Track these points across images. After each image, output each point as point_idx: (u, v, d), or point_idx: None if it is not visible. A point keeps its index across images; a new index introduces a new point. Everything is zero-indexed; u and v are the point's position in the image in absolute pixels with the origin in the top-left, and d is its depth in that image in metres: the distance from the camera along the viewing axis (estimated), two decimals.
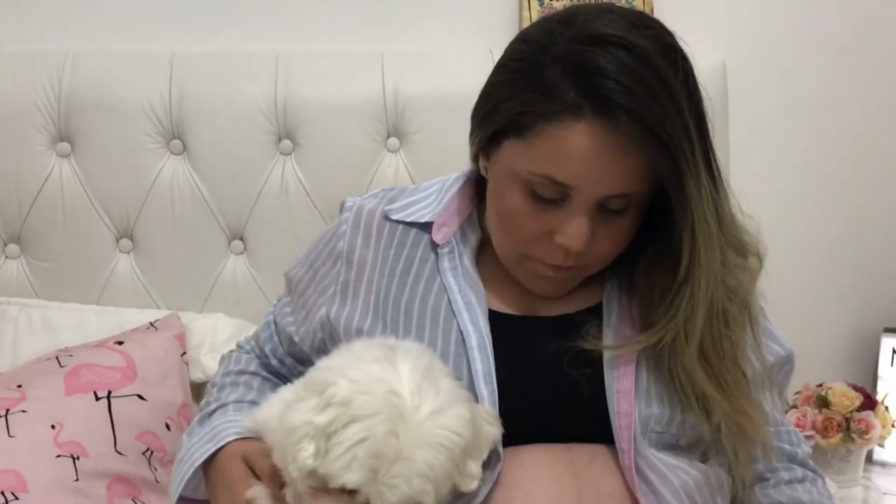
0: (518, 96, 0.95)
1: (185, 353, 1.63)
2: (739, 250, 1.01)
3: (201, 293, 1.76)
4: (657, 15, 1.70)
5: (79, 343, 1.61)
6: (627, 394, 0.98)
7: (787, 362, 1.11)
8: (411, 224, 1.11)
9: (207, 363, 1.63)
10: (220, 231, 1.75)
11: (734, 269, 0.99)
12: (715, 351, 0.98)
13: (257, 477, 1.01)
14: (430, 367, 0.91)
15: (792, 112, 1.95)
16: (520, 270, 1.05)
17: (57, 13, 1.80)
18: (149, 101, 1.71)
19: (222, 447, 1.07)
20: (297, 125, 1.73)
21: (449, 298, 1.04)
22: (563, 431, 0.98)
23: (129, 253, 1.76)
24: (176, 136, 1.73)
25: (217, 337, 1.67)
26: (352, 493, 0.85)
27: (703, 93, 0.97)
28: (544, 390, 1.00)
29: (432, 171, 1.25)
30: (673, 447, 1.00)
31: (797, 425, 1.77)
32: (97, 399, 1.47)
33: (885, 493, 1.82)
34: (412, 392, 0.86)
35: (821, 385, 1.85)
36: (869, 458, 1.89)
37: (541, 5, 1.84)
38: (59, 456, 1.39)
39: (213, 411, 1.15)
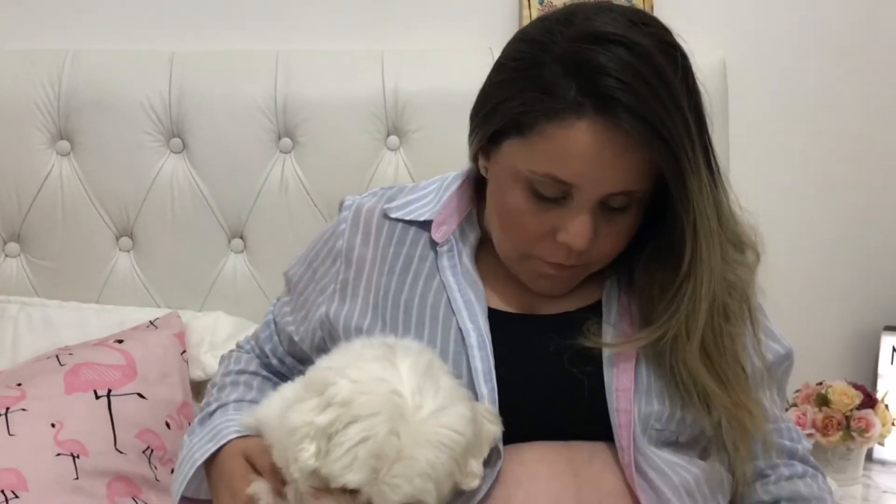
0: (518, 96, 0.95)
1: (184, 351, 1.63)
2: (738, 245, 1.01)
3: (201, 291, 1.76)
4: (657, 13, 1.70)
5: (79, 341, 1.61)
6: (627, 391, 0.98)
7: (786, 359, 1.11)
8: (410, 222, 1.11)
9: (207, 361, 1.63)
10: (219, 229, 1.75)
11: (733, 264, 1.00)
12: (716, 346, 0.98)
13: (258, 473, 1.01)
14: (430, 366, 0.91)
15: (792, 111, 1.95)
16: (521, 269, 1.05)
17: (57, 12, 1.80)
18: (149, 100, 1.70)
19: (223, 446, 1.07)
20: (296, 124, 1.72)
21: (448, 296, 1.04)
22: (562, 429, 0.99)
23: (128, 251, 1.76)
24: (176, 135, 1.73)
25: (217, 335, 1.67)
26: (353, 493, 0.84)
27: (703, 90, 0.97)
28: (544, 388, 1.00)
29: (432, 169, 1.25)
30: (673, 444, 1.00)
31: (797, 423, 1.76)
32: (97, 397, 1.47)
33: (885, 492, 1.82)
34: (413, 391, 0.86)
35: (821, 383, 1.85)
36: (869, 457, 1.90)
37: (541, 4, 1.83)
38: (59, 454, 1.38)
39: (214, 411, 1.15)
